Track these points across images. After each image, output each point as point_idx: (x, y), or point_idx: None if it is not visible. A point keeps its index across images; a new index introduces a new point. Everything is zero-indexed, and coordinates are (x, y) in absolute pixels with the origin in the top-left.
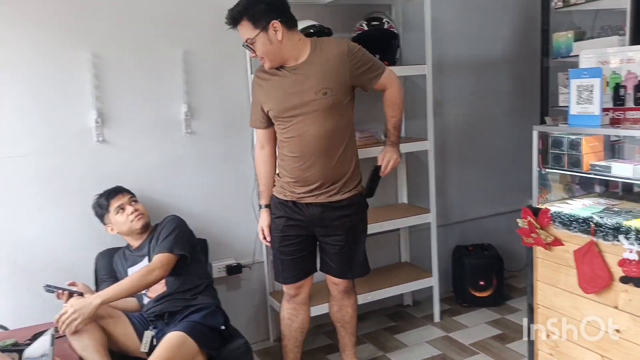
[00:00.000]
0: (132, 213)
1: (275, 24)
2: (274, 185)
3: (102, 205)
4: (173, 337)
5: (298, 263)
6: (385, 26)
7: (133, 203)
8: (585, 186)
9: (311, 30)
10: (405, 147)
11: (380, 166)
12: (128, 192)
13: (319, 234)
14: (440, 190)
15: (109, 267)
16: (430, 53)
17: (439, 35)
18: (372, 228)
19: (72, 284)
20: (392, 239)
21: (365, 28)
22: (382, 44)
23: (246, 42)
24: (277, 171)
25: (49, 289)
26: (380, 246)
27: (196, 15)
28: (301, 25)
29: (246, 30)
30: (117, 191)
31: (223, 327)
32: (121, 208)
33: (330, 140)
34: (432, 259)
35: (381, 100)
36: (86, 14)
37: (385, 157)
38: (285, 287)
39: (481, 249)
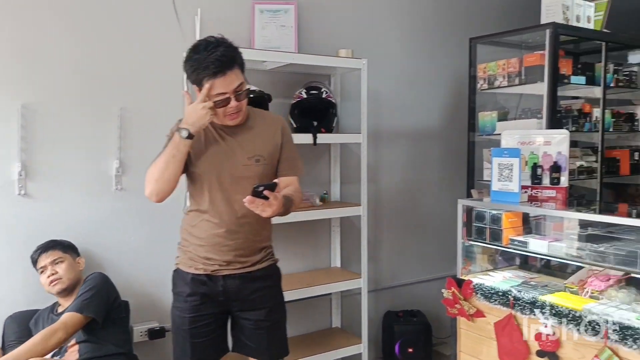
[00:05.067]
0: (48, 277)
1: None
2: (177, 256)
3: (33, 260)
4: None
5: (213, 343)
6: (324, 95)
7: (57, 264)
8: (506, 258)
9: (251, 95)
10: (339, 212)
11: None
12: (60, 248)
13: (236, 309)
14: (373, 255)
15: (19, 331)
16: (365, 122)
17: (376, 106)
18: (303, 292)
19: None
20: (324, 303)
21: (304, 96)
22: (320, 111)
23: (236, 89)
24: (184, 237)
25: None
26: (311, 311)
27: (133, 73)
28: None
29: (237, 75)
30: (46, 248)
31: None
32: (43, 269)
33: None
34: (362, 324)
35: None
36: (19, 64)
37: (273, 201)
38: None
39: (410, 315)
